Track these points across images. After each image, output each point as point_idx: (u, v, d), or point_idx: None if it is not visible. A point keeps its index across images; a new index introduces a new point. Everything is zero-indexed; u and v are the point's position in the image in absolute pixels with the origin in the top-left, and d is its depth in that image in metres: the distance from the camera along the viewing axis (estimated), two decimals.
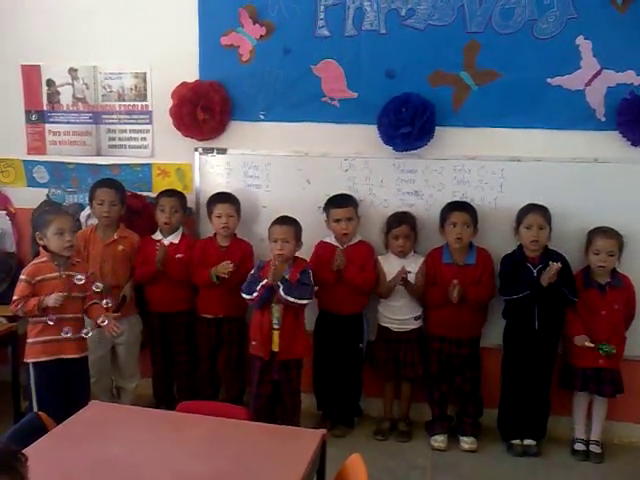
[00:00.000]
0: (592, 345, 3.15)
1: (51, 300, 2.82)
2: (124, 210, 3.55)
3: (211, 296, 3.50)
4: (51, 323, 2.88)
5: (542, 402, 3.36)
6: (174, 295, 3.54)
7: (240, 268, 3.38)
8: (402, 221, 3.42)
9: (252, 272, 3.22)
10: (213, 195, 3.59)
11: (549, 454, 3.35)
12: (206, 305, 3.55)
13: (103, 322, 2.94)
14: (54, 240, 2.90)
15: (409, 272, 3.35)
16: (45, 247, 2.94)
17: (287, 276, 3.15)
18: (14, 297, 2.88)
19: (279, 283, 3.10)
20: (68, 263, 2.96)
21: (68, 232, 2.91)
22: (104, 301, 2.99)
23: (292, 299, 3.10)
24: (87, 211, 3.70)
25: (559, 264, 3.09)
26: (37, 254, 3.03)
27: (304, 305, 3.19)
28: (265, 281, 3.13)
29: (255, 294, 3.15)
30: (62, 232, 2.89)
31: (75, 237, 2.98)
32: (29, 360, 2.94)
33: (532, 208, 3.28)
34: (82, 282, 2.94)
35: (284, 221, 3.24)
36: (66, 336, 2.91)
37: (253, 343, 3.28)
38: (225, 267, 3.34)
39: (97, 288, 3.01)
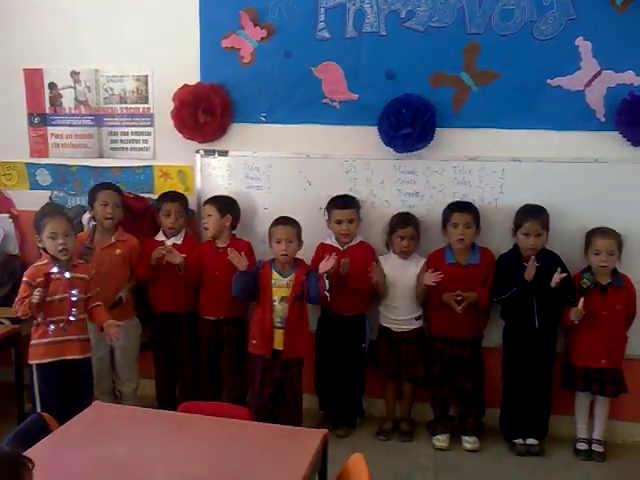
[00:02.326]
0: (582, 302, 3.12)
1: (34, 298, 2.79)
2: (122, 213, 3.56)
3: (212, 298, 3.51)
4: (39, 320, 2.88)
5: (543, 401, 3.36)
6: (177, 296, 3.55)
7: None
8: (408, 222, 3.43)
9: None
10: None
11: (552, 453, 3.35)
12: (207, 307, 3.56)
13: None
14: (48, 243, 2.91)
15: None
16: (45, 249, 2.95)
17: (290, 277, 3.20)
18: (16, 299, 2.90)
19: (325, 280, 3.13)
20: (70, 264, 2.98)
21: (61, 235, 2.90)
22: (73, 291, 2.94)
23: (329, 295, 3.17)
24: (90, 213, 3.70)
25: (563, 274, 3.12)
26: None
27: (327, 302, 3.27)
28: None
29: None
30: (55, 235, 2.89)
31: (71, 240, 2.96)
32: (32, 362, 2.95)
33: (530, 215, 3.26)
34: (76, 298, 2.93)
35: (287, 221, 3.27)
36: (51, 331, 2.90)
37: (253, 342, 3.30)
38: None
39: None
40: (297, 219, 3.30)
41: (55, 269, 2.87)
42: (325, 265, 3.15)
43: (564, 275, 3.13)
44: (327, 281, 3.14)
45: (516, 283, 3.22)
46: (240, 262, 3.24)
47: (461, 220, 3.32)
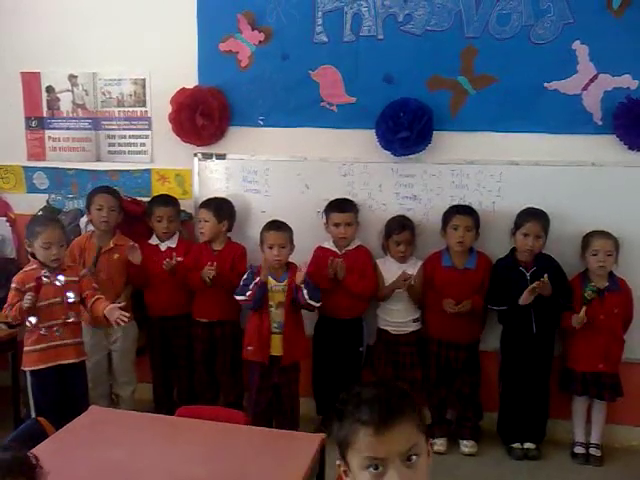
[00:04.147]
0: (584, 310, 3.10)
1: (25, 303, 2.78)
2: (121, 218, 3.56)
3: (205, 300, 3.51)
4: (29, 325, 2.87)
5: (541, 405, 3.36)
6: (174, 299, 3.55)
7: (233, 270, 3.38)
8: (404, 227, 3.42)
9: (245, 277, 3.24)
10: None
11: (549, 458, 3.35)
12: (200, 309, 3.56)
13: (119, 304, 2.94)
14: (41, 252, 2.90)
15: (411, 276, 3.35)
16: (33, 255, 2.94)
17: (285, 281, 3.19)
18: (5, 304, 2.89)
19: (303, 287, 3.13)
20: (59, 269, 2.95)
21: (55, 245, 2.89)
22: (68, 293, 2.94)
23: (314, 302, 3.18)
24: (87, 217, 3.70)
25: (542, 280, 3.11)
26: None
27: (317, 308, 3.26)
28: (258, 279, 3.16)
29: (249, 292, 3.17)
30: (49, 245, 2.88)
31: (64, 249, 2.96)
32: (26, 368, 2.94)
33: (532, 216, 3.26)
34: (62, 284, 2.92)
35: (279, 226, 3.25)
36: (42, 335, 2.90)
37: (249, 348, 3.28)
38: (208, 270, 3.34)
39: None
40: (294, 222, 3.30)
41: (46, 273, 2.86)
42: (298, 277, 3.13)
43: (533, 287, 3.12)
44: (306, 291, 3.14)
45: (511, 298, 3.21)
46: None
47: (462, 222, 3.32)
